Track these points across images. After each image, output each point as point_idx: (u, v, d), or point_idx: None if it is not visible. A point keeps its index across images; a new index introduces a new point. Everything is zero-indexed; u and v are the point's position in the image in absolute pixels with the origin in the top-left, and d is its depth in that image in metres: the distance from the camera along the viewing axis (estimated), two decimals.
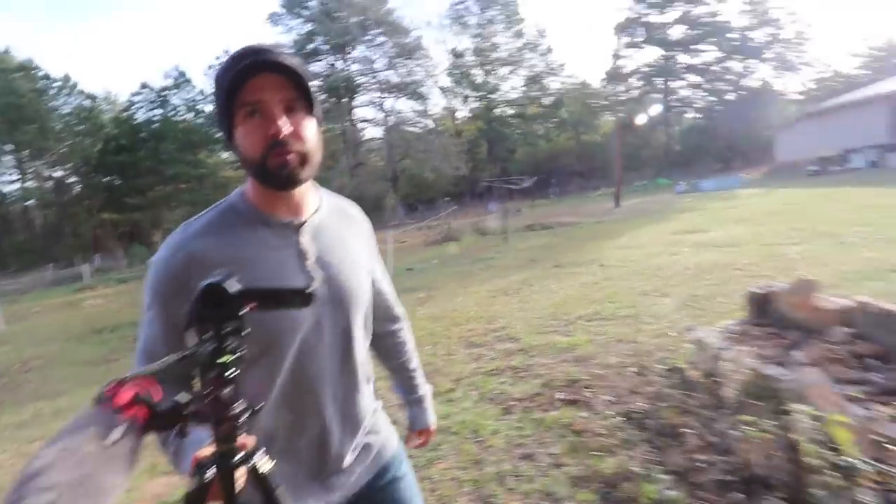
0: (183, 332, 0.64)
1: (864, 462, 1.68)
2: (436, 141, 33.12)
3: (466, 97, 39.50)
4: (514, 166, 37.47)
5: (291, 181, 0.80)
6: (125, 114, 39.51)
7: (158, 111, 39.16)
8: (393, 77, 37.53)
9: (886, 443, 1.78)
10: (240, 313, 0.61)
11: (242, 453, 0.65)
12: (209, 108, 41.35)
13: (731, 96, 37.85)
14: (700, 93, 39.54)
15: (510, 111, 40.77)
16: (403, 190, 36.27)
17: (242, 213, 0.85)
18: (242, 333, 0.62)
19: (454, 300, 6.38)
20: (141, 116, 39.21)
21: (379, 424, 1.03)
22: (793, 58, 36.66)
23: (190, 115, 39.94)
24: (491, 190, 22.98)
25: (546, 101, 40.99)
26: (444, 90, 39.46)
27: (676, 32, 38.52)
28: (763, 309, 2.96)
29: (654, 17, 38.84)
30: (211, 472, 0.63)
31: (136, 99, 39.07)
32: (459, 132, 39.93)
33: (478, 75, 38.73)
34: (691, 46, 38.28)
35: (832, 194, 12.37)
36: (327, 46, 39.75)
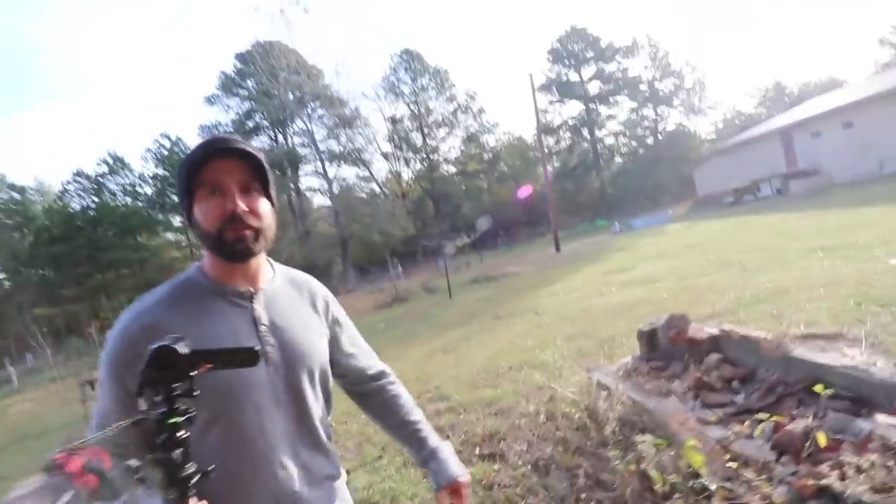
0: (136, 401, 0.67)
1: (715, 481, 1.88)
2: (381, 204, 33.78)
3: (408, 160, 40.87)
4: (460, 221, 38.52)
5: (245, 253, 0.87)
6: (58, 203, 38.04)
7: (94, 198, 37.98)
8: (334, 146, 38.48)
9: (736, 460, 2.00)
10: (190, 374, 0.63)
11: None
12: (149, 190, 40.57)
13: (650, 140, 41.12)
14: (623, 139, 42.75)
15: (452, 169, 42.39)
16: (355, 254, 36.32)
17: (198, 284, 0.90)
18: (193, 395, 0.64)
19: (394, 364, 6.39)
20: (76, 205, 37.84)
21: (345, 495, 1.03)
22: (696, 102, 40.70)
23: (128, 200, 38.94)
24: (440, 247, 23.52)
25: (485, 157, 42.97)
26: (385, 155, 40.72)
27: (594, 88, 42.01)
28: (652, 344, 3.24)
29: (572, 76, 42.34)
30: None
31: (69, 187, 37.85)
32: (405, 193, 40.91)
33: (416, 139, 40.35)
34: (609, 99, 41.72)
35: (744, 223, 13.50)
36: (267, 122, 40.50)
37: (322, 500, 0.96)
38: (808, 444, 1.87)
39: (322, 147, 38.26)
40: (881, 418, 1.89)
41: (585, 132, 42.28)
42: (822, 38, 74.68)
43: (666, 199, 35.98)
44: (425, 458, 1.09)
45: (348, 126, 38.60)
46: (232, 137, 0.87)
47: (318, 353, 0.98)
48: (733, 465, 1.92)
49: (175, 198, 40.90)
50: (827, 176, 20.14)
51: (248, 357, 0.71)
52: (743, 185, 23.78)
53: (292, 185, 40.11)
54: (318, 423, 0.97)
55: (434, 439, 1.11)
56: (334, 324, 1.08)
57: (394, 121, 40.10)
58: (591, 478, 2.25)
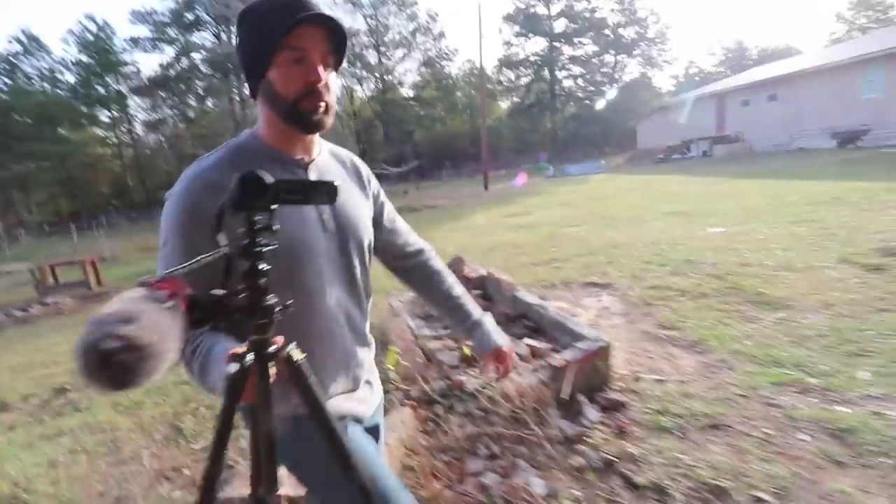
0: (212, 240, 0.70)
1: (397, 371, 2.57)
2: None
3: (361, 78, 39.23)
4: (410, 148, 38.13)
5: (318, 125, 0.88)
6: None
7: (5, 80, 34.43)
8: None
9: (431, 361, 2.70)
10: (272, 207, 0.66)
11: (277, 345, 0.70)
12: (71, 78, 37.10)
13: (606, 88, 41.36)
14: (581, 83, 42.69)
15: (408, 94, 41.24)
16: None
17: (255, 149, 0.91)
18: (273, 228, 0.66)
19: None
20: None
21: (374, 368, 1.11)
22: (655, 54, 40.87)
23: (46, 86, 35.58)
24: (381, 173, 23.60)
25: (443, 84, 41.90)
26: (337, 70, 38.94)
27: (559, 25, 41.07)
28: None
29: (541, 9, 41.05)
30: (250, 359, 0.66)
31: None
32: (356, 113, 39.69)
33: (371, 56, 38.60)
34: (573, 39, 41.06)
35: (653, 181, 14.50)
36: (210, 16, 37.24)
37: (367, 362, 1.05)
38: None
39: None
40: (526, 341, 2.63)
41: (546, 72, 41.81)
42: (790, 5, 75.04)
43: (611, 148, 37.01)
44: (470, 327, 1.15)
45: None
46: (316, 3, 0.85)
47: (366, 227, 1.02)
48: (422, 361, 2.62)
49: (102, 90, 37.69)
50: (747, 144, 21.47)
51: (329, 190, 0.72)
52: (674, 144, 24.92)
53: (235, 91, 37.90)
54: (363, 294, 1.02)
55: (478, 312, 1.17)
56: (376, 199, 1.11)
57: (349, 33, 37.90)
58: None
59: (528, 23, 41.10)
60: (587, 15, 40.34)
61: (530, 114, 42.41)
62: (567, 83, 42.85)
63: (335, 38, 0.86)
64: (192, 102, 40.07)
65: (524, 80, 43.18)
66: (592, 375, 2.40)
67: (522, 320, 2.98)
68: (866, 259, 4.10)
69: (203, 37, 38.17)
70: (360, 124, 39.05)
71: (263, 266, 0.65)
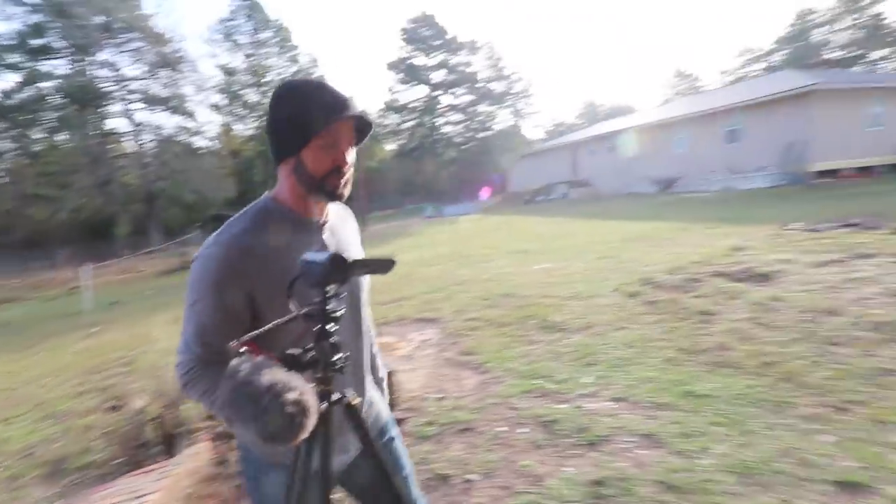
0: (238, 313, 0.91)
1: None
2: (198, 161, 31.03)
3: (241, 116, 38.11)
4: None
5: (340, 197, 1.04)
6: None
7: None
8: (153, 89, 33.95)
9: None
10: (342, 280, 0.80)
11: (339, 393, 0.86)
12: None
13: (481, 135, 44.72)
14: (460, 129, 45.72)
15: None
16: (169, 213, 32.83)
17: (276, 213, 1.04)
18: (340, 297, 0.80)
19: (131, 330, 6.63)
20: None
21: (377, 395, 1.28)
22: (523, 107, 45.50)
23: None
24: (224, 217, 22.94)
25: None
26: (217, 107, 37.39)
27: (438, 76, 43.96)
28: None
29: (420, 60, 43.69)
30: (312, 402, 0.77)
31: None
32: (237, 152, 38.20)
33: (253, 95, 37.79)
34: (450, 89, 44.11)
35: (514, 221, 16.05)
36: (64, 44, 33.87)
37: (377, 396, 1.26)
38: None
39: (136, 86, 33.53)
40: None
41: (427, 118, 44.18)
42: (634, 71, 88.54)
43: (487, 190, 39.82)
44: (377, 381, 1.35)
45: (172, 67, 34.40)
46: (354, 102, 1.00)
47: (367, 278, 1.20)
48: None
49: None
50: (595, 188, 24.63)
51: (388, 265, 0.87)
52: (538, 187, 27.71)
53: (90, 126, 34.48)
54: (371, 336, 1.22)
55: (383, 371, 1.40)
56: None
57: (228, 71, 36.90)
58: None
59: (409, 71, 43.43)
60: (462, 68, 43.77)
61: (413, 157, 44.23)
62: (447, 129, 45.60)
63: (363, 127, 1.06)
64: (39, 135, 35.57)
65: (408, 125, 45.14)
66: None
67: None
68: (630, 288, 5.19)
69: (55, 64, 34.47)
70: (241, 164, 37.58)
71: (333, 327, 0.79)
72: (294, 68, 38.83)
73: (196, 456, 2.38)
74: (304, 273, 0.81)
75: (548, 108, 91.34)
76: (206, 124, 39.50)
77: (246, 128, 39.43)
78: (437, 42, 43.44)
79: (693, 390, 2.78)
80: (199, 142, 35.81)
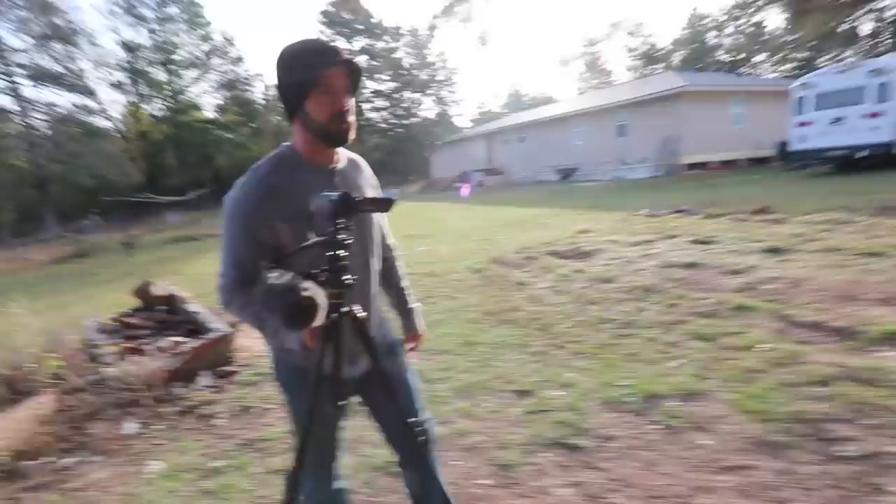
0: (263, 245, 1.12)
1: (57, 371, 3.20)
2: (97, 143, 28.94)
3: (145, 96, 35.74)
4: (209, 174, 35.87)
5: (343, 140, 1.17)
6: None
7: None
8: (45, 62, 30.94)
9: (94, 361, 3.37)
10: (351, 214, 1.03)
11: (347, 307, 1.08)
12: None
13: (406, 121, 45.09)
14: (385, 115, 45.77)
15: (201, 116, 38.81)
16: (64, 198, 30.35)
17: (294, 160, 1.20)
18: (350, 228, 1.03)
19: None
20: None
21: (386, 319, 1.47)
22: (446, 94, 46.34)
23: None
24: (176, 202, 21.87)
25: (245, 108, 40.54)
26: (119, 85, 34.77)
27: (361, 61, 43.46)
28: (146, 298, 4.60)
29: (343, 44, 43.01)
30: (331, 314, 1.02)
31: None
32: (144, 134, 35.86)
33: (159, 74, 35.56)
34: (375, 75, 43.92)
35: (425, 207, 16.67)
36: None
37: (382, 323, 1.43)
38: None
39: (23, 60, 30.40)
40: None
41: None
42: (554, 58, 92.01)
43: (413, 176, 40.36)
44: (404, 312, 1.55)
45: (65, 41, 31.50)
46: (342, 48, 1.14)
47: (376, 218, 1.36)
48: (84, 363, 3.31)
49: None
50: (509, 176, 25.96)
51: (389, 203, 1.11)
52: (455, 175, 28.67)
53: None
54: (376, 270, 1.37)
55: (413, 302, 1.57)
56: (377, 184, 1.44)
57: (129, 47, 34.35)
58: None
59: None
60: (385, 54, 43.71)
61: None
62: (371, 115, 45.48)
63: (354, 73, 1.17)
64: None
65: None
66: (216, 356, 3.41)
67: (186, 324, 3.88)
68: (479, 265, 6.04)
69: None
70: (150, 147, 35.35)
71: (344, 254, 1.03)
72: (206, 46, 36.96)
73: (40, 405, 2.84)
74: (320, 209, 1.02)
75: (474, 97, 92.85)
76: (108, 104, 36.49)
77: (154, 109, 37.11)
78: (360, 27, 43.00)
79: (471, 340, 3.59)
80: (100, 122, 33.35)
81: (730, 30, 42.68)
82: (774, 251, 5.08)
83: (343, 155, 1.30)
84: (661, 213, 8.68)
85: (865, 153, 10.97)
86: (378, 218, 1.36)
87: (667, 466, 1.96)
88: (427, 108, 46.37)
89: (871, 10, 25.08)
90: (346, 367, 1.17)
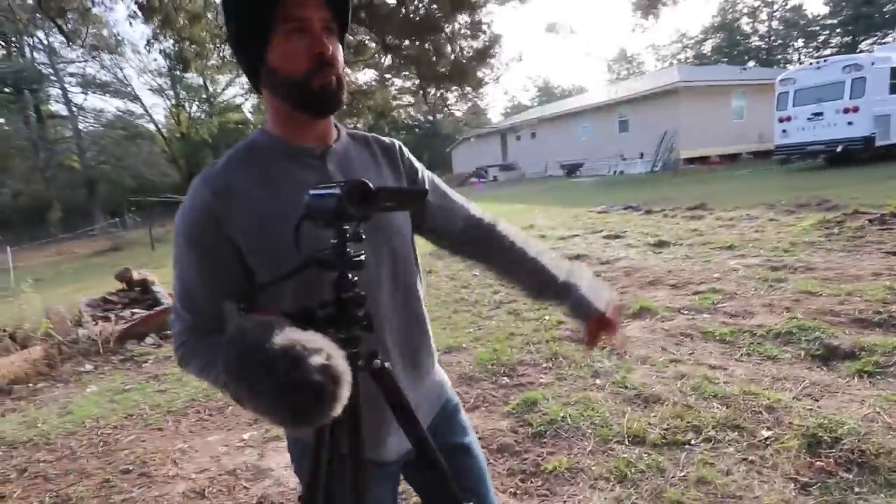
0: (223, 264, 0.73)
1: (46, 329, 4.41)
2: (136, 145, 31.47)
3: (183, 100, 38.36)
4: None
5: (333, 103, 0.77)
6: None
7: None
8: (93, 71, 33.86)
9: (78, 322, 4.56)
10: (364, 217, 0.60)
11: (368, 353, 0.66)
12: None
13: (434, 117, 46.01)
14: (412, 112, 46.89)
15: (238, 117, 41.12)
16: (110, 197, 33.19)
17: (266, 146, 0.81)
18: (361, 238, 0.61)
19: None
20: None
21: (436, 371, 1.00)
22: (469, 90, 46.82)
23: None
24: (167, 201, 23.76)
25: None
26: (160, 91, 37.51)
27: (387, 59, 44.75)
28: (129, 283, 5.80)
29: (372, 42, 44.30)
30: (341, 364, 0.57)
31: None
32: (184, 135, 38.46)
33: (193, 79, 38.03)
34: (401, 73, 45.05)
35: None
36: None
37: (426, 378, 0.95)
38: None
39: (74, 70, 33.36)
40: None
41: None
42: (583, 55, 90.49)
43: (437, 171, 41.24)
44: (557, 294, 0.99)
45: (110, 51, 34.27)
46: None
47: (399, 215, 0.89)
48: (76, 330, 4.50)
49: None
50: (521, 171, 26.55)
51: (420, 196, 0.75)
52: (473, 171, 29.47)
53: (32, 109, 34.23)
54: (408, 283, 0.90)
55: (563, 272, 0.99)
56: (411, 172, 0.96)
57: (167, 54, 36.80)
58: None
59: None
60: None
61: None
62: (397, 112, 46.68)
63: (334, 2, 0.76)
64: None
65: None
66: (163, 322, 4.53)
67: (150, 301, 5.03)
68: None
69: None
70: (189, 148, 37.96)
71: (354, 275, 0.63)
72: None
73: (32, 352, 4.02)
74: (313, 210, 0.62)
75: (506, 90, 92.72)
76: (150, 107, 39.31)
77: (193, 111, 39.73)
78: None
79: None
80: (142, 125, 36.10)
81: (762, 16, 41.28)
82: (661, 245, 5.78)
83: (343, 133, 0.91)
84: (613, 209, 9.32)
85: (841, 148, 11.13)
86: (401, 220, 0.90)
87: None
88: (453, 105, 47.11)
89: None
90: (371, 449, 0.79)
